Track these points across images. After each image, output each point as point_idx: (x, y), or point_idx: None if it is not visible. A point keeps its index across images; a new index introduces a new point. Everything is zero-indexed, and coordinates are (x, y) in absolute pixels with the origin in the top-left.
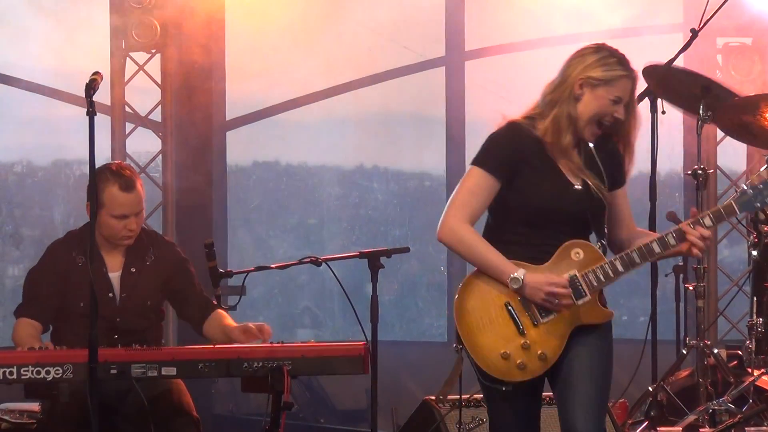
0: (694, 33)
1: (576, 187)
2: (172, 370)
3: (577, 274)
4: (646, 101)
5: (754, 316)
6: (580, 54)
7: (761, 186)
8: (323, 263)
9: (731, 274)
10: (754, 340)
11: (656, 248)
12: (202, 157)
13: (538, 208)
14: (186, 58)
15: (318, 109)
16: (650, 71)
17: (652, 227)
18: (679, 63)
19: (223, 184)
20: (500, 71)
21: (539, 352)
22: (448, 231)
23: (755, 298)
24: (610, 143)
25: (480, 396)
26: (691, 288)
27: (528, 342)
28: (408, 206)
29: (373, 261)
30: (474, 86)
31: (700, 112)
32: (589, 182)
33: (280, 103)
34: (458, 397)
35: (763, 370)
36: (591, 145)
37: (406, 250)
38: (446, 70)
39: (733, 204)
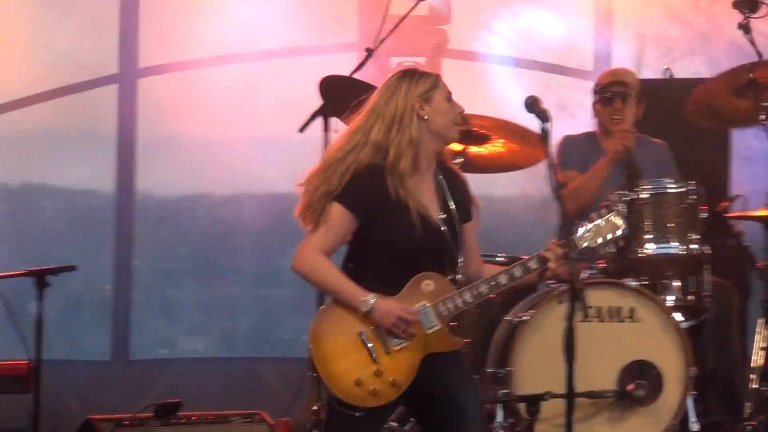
0: (369, 52)
1: (433, 222)
2: None
3: (428, 304)
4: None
5: None
6: (390, 89)
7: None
8: None
9: None
10: None
11: (517, 272)
12: None
13: (394, 246)
14: None
15: None
16: (326, 84)
17: None
18: None
19: None
20: (175, 89)
21: (391, 379)
22: (301, 260)
23: None
24: (449, 169)
25: (144, 415)
26: None
27: (380, 369)
28: (75, 224)
29: (40, 279)
30: (147, 104)
31: None
32: (443, 215)
33: None
34: (121, 416)
35: None
36: (440, 176)
37: (73, 268)
38: (119, 87)
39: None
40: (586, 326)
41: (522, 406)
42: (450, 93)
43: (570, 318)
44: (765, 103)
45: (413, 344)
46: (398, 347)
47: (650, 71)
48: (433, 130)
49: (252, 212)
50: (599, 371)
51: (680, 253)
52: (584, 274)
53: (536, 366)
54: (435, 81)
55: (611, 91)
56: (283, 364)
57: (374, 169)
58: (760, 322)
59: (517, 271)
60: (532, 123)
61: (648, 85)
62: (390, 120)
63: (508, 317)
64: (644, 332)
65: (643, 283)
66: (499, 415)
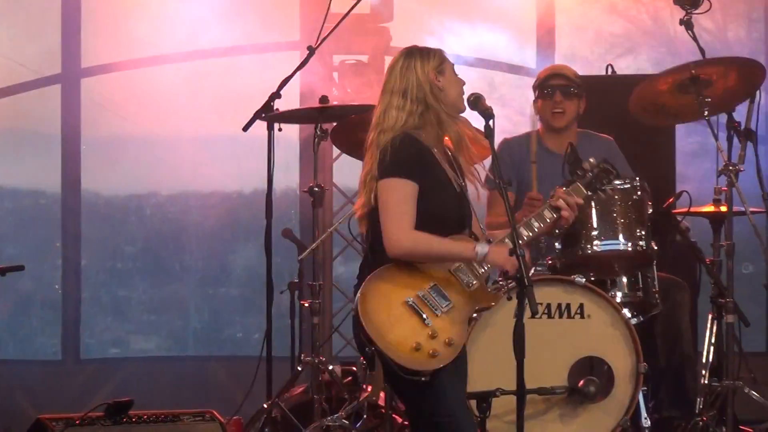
0: (311, 50)
1: (458, 187)
2: None
3: (464, 266)
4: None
5: None
6: (402, 67)
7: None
8: None
9: (346, 290)
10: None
11: (534, 224)
12: None
13: (439, 214)
14: None
15: None
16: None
17: (267, 244)
18: (297, 80)
19: None
20: (118, 88)
21: (446, 339)
22: (396, 243)
23: None
24: (446, 145)
25: (95, 414)
26: (306, 305)
27: (434, 331)
28: (23, 224)
29: None
30: (91, 103)
31: (317, 130)
32: (461, 182)
33: None
34: (72, 415)
35: None
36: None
37: (21, 268)
38: (62, 87)
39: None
40: (536, 323)
41: (473, 403)
42: (454, 65)
43: (519, 315)
44: (708, 99)
45: (459, 303)
46: (446, 308)
47: (593, 68)
48: (448, 100)
49: (199, 211)
50: (550, 368)
51: (628, 249)
52: (533, 271)
53: (487, 363)
54: (443, 55)
55: (551, 85)
56: (234, 363)
57: (409, 137)
58: (710, 317)
59: (535, 223)
60: (476, 120)
61: (591, 81)
62: (410, 95)
63: None
64: (594, 328)
65: (592, 279)
66: None
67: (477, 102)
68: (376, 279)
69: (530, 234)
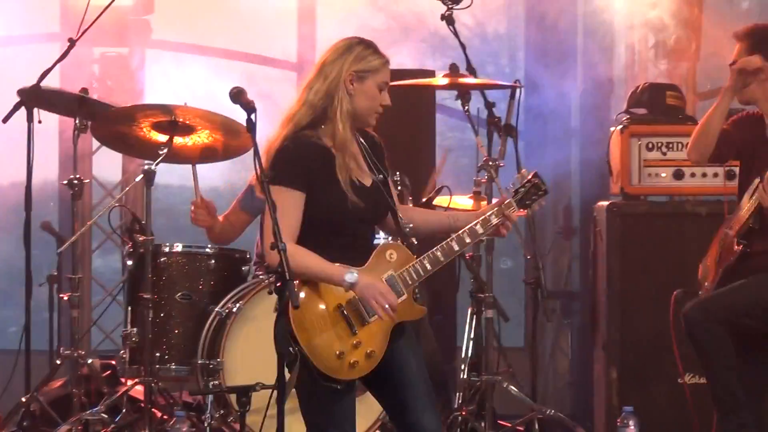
0: (72, 42)
1: (365, 186)
2: None
3: (394, 274)
4: (23, 110)
5: (129, 326)
6: (338, 52)
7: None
8: None
9: (105, 284)
10: (128, 350)
11: (479, 229)
12: None
13: (337, 216)
14: None
15: None
16: (23, 91)
17: (27, 237)
18: (57, 72)
19: None
20: None
21: (368, 351)
22: (274, 254)
23: (130, 308)
24: (369, 135)
25: None
26: (65, 298)
27: (359, 341)
28: None
29: None
30: None
31: (76, 122)
32: (373, 179)
33: None
34: None
35: (136, 380)
36: (362, 141)
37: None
38: None
39: (513, 202)
40: None
41: (233, 397)
42: (386, 84)
43: (281, 309)
44: (468, 94)
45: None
46: (373, 318)
47: None
48: (354, 108)
49: None
50: None
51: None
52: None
53: (247, 357)
54: (378, 65)
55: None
56: None
57: (299, 140)
58: (470, 312)
59: (480, 228)
60: (238, 114)
61: None
62: (327, 84)
63: (218, 308)
64: None
65: None
66: (209, 406)
67: (238, 96)
68: (308, 283)
69: (460, 248)
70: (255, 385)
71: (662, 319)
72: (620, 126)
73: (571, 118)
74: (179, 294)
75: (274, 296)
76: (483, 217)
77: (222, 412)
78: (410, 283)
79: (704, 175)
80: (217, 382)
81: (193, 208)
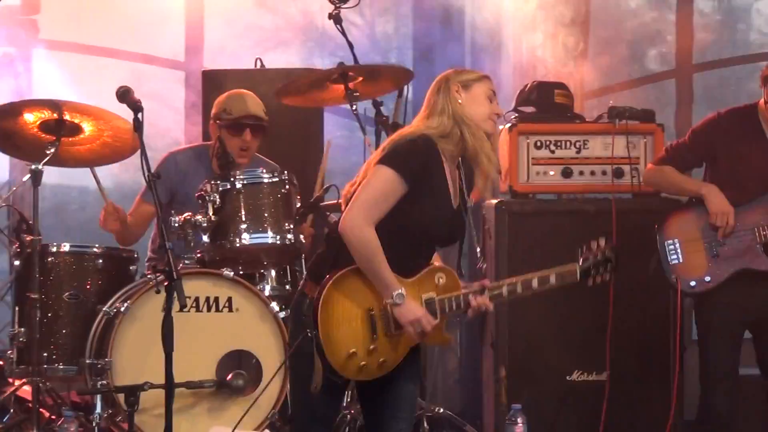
0: None
1: (455, 208)
2: None
3: (435, 298)
4: None
5: (16, 326)
6: (442, 81)
7: (600, 258)
8: None
9: None
10: (16, 350)
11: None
12: None
13: (422, 228)
14: None
15: None
16: None
17: None
18: None
19: None
20: None
21: (381, 360)
22: (354, 228)
23: (17, 308)
24: (467, 163)
25: None
26: None
27: (376, 347)
28: None
29: None
30: None
31: None
32: (459, 202)
33: None
34: None
35: (24, 380)
36: (461, 165)
37: None
38: None
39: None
40: (184, 316)
41: (121, 397)
42: (494, 93)
43: (168, 308)
44: (356, 94)
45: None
46: (398, 332)
47: (242, 61)
48: (466, 116)
49: None
50: (199, 361)
51: (276, 242)
52: (181, 264)
53: (135, 356)
54: (479, 76)
55: (243, 123)
56: None
57: (426, 139)
58: None
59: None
60: (126, 113)
61: (240, 75)
62: (438, 109)
63: (105, 308)
64: (242, 322)
65: (241, 273)
66: (98, 406)
67: (125, 95)
68: (356, 272)
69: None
70: (143, 384)
71: (550, 316)
72: (508, 124)
73: None
74: (67, 294)
75: (162, 295)
76: (542, 277)
77: (110, 411)
78: (447, 311)
79: (592, 173)
80: (105, 381)
81: (103, 213)
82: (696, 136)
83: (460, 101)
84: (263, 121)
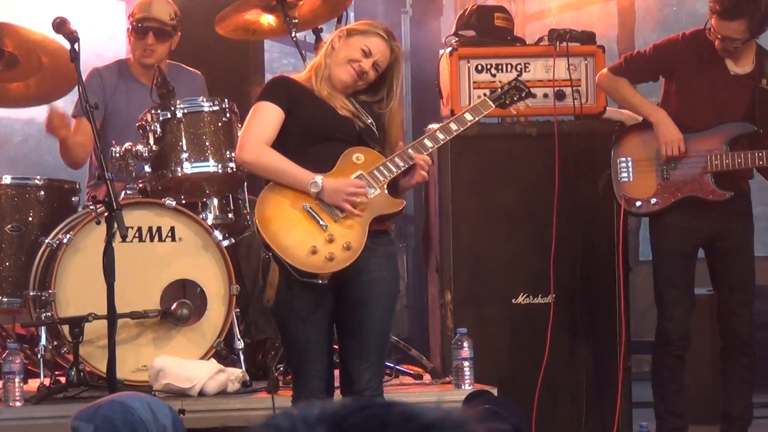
0: None
1: (344, 115)
2: None
3: (363, 173)
4: None
5: None
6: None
7: (509, 87)
8: None
9: None
10: None
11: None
12: None
13: (316, 126)
14: None
15: None
16: None
17: None
18: None
19: None
20: None
21: (344, 243)
22: (247, 150)
23: None
24: (375, 111)
25: None
26: None
27: (332, 235)
28: None
29: None
30: None
31: None
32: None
33: None
34: None
35: None
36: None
37: None
38: None
39: (488, 100)
40: (127, 247)
41: (66, 329)
42: (369, 50)
43: (109, 239)
44: (294, 20)
45: (358, 210)
46: (344, 214)
47: None
48: (334, 63)
49: None
50: (142, 292)
51: (218, 171)
52: (122, 194)
53: (79, 288)
54: (366, 28)
55: (145, 26)
56: None
57: (282, 76)
58: None
59: (453, 125)
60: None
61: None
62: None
63: (48, 240)
64: (185, 251)
65: (183, 202)
66: (43, 338)
67: (62, 26)
68: (272, 188)
69: (433, 145)
70: (87, 315)
71: (495, 241)
72: (449, 49)
73: (402, 42)
74: (9, 226)
75: (103, 226)
76: (458, 116)
77: (55, 343)
78: (382, 179)
79: (534, 95)
80: (49, 313)
81: (47, 118)
82: (657, 51)
83: (334, 47)
84: (167, 25)
